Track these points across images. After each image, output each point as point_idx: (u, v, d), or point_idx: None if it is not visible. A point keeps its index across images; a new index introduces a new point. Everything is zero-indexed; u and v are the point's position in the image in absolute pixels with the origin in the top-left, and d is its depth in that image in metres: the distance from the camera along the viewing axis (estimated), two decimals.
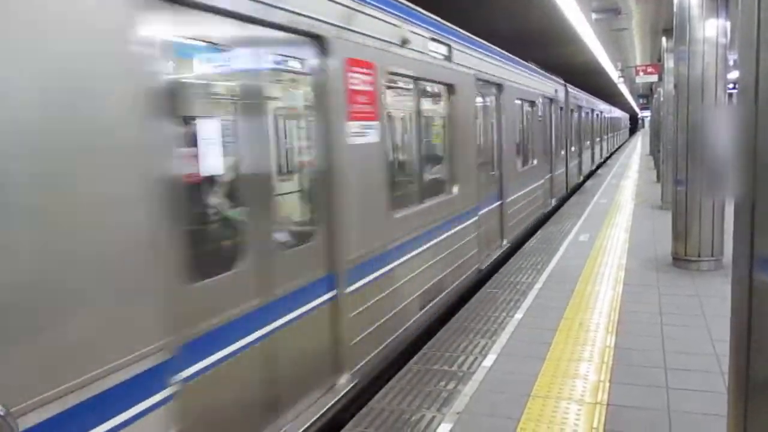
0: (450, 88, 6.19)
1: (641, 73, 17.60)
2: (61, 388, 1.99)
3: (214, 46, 3.09)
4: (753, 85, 1.55)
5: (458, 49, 6.30)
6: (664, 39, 12.30)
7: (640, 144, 42.00)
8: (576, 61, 19.75)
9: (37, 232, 1.95)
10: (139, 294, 2.31)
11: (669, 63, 11.77)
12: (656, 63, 16.79)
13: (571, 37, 14.15)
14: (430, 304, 5.48)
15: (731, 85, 7.73)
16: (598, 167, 24.02)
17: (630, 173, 20.72)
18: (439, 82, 6.01)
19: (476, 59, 6.96)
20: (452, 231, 6.03)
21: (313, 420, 3.54)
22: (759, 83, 1.53)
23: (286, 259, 3.42)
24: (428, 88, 5.91)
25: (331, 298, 3.82)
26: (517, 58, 9.39)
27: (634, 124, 69.26)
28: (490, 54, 7.65)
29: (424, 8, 5.47)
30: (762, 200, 1.57)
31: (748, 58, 1.58)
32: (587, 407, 3.75)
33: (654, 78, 17.47)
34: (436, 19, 5.78)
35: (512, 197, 8.72)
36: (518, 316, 5.58)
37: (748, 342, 1.65)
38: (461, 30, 6.57)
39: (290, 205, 4.01)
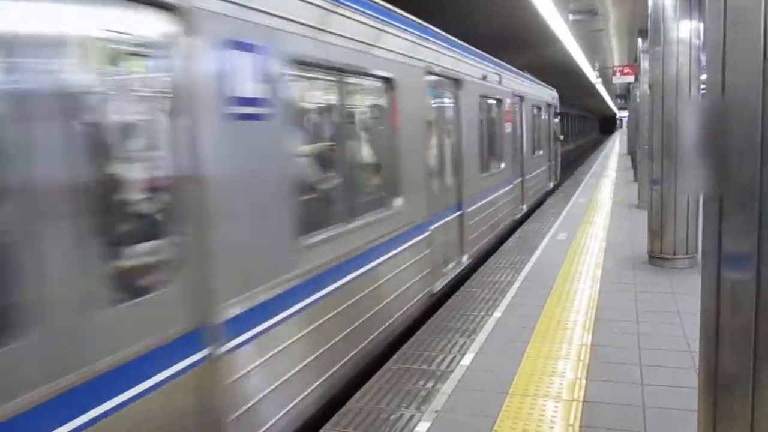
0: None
1: (618, 74, 17.87)
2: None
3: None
4: (720, 84, 1.57)
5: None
6: (640, 40, 12.48)
7: (618, 144, 42.54)
8: (554, 62, 19.93)
9: None
10: None
11: (645, 64, 11.95)
12: (633, 64, 17.03)
13: (548, 38, 14.26)
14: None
15: (704, 86, 7.86)
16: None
17: (608, 173, 20.97)
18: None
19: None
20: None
21: None
22: (725, 81, 1.56)
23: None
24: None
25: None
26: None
27: (611, 124, 68.99)
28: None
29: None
30: (729, 199, 1.60)
31: (715, 57, 1.60)
32: (564, 404, 3.78)
33: (631, 78, 17.73)
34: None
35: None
36: (497, 314, 5.61)
37: (717, 338, 1.68)
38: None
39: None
